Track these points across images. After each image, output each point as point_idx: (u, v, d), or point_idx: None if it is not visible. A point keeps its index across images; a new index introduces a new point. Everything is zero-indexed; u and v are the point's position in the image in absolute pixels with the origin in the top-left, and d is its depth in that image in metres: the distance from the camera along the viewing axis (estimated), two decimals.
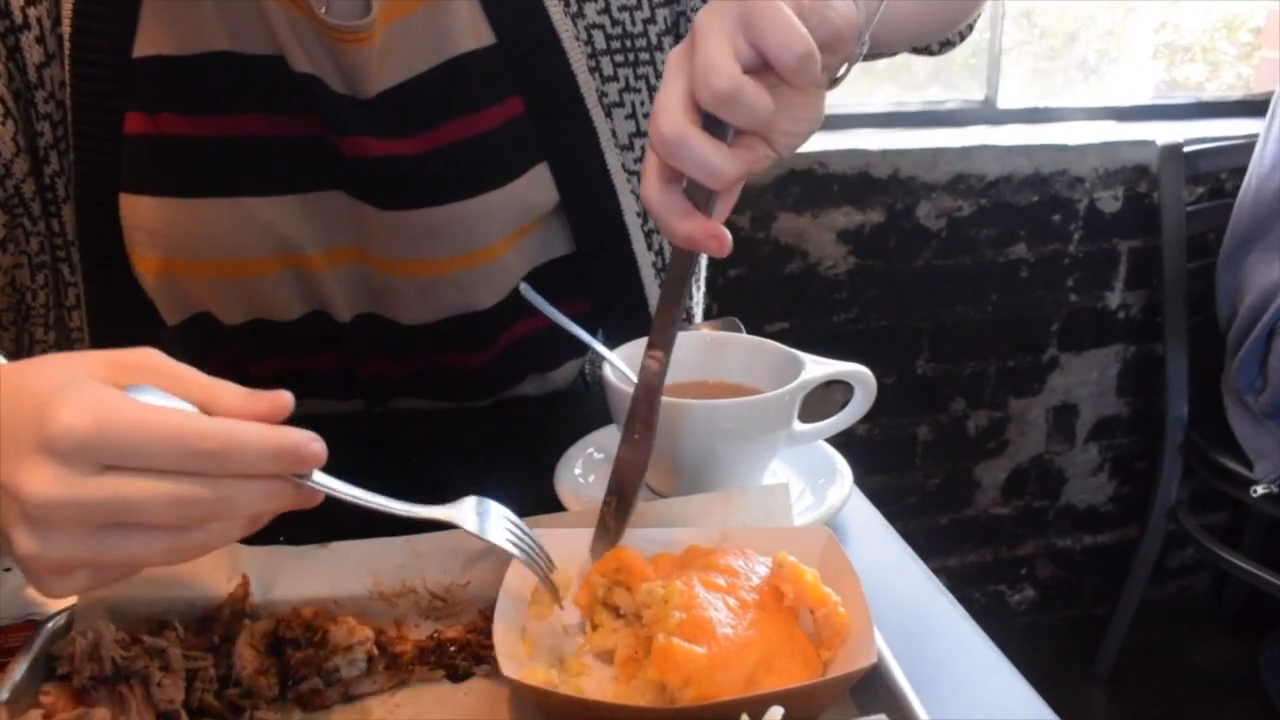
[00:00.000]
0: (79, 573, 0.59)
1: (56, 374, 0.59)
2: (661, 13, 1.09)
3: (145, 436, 0.56)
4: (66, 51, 0.95)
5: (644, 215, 1.12)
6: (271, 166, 1.00)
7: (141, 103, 0.97)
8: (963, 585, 2.77)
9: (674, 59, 0.68)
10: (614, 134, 1.09)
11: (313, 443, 0.60)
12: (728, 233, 0.70)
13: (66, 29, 0.95)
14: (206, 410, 0.61)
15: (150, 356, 0.62)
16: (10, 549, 0.57)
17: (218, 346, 1.06)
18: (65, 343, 1.04)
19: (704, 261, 1.25)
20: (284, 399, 0.62)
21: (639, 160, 1.10)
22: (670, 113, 0.66)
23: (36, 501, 0.55)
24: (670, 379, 0.97)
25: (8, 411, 0.58)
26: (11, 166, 0.95)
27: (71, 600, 0.71)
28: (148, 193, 0.98)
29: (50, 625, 0.71)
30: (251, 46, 0.97)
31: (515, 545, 0.73)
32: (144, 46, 0.97)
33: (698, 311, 1.23)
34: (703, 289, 1.23)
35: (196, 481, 0.57)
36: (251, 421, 0.60)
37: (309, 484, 0.62)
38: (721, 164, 0.66)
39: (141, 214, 0.98)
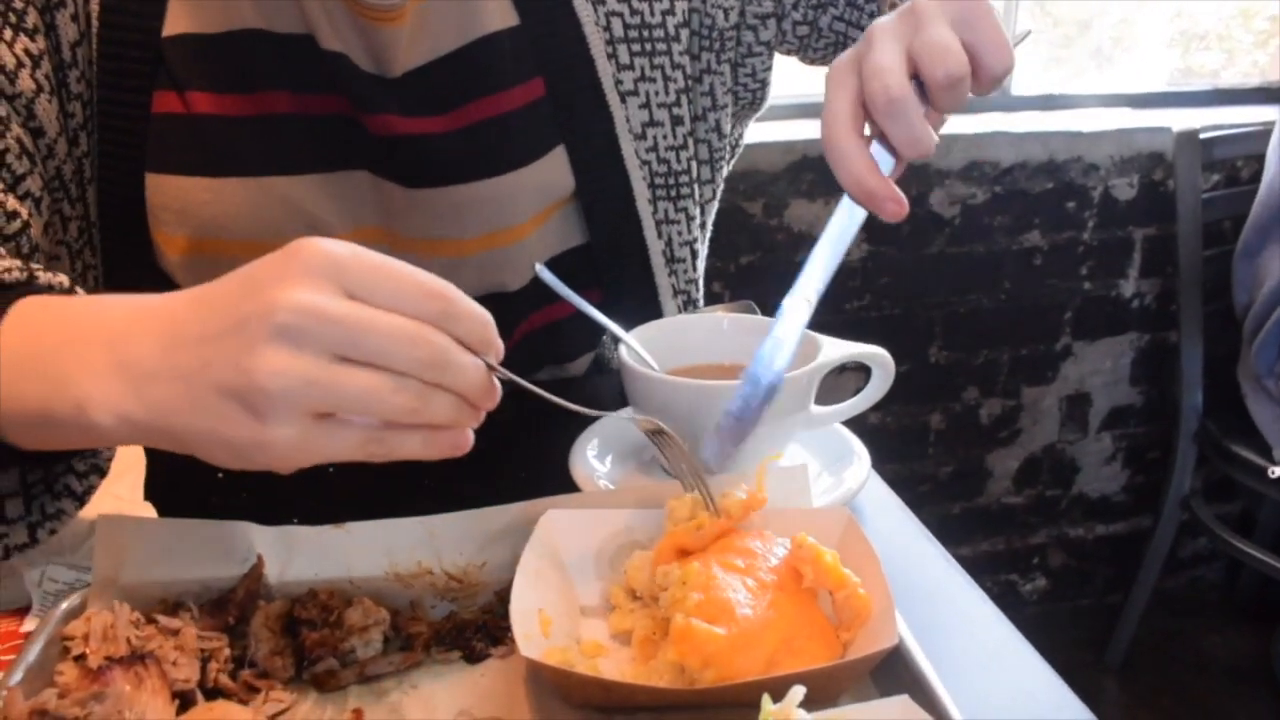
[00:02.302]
0: (305, 420, 0.58)
1: None
2: (680, 4, 1.10)
3: (390, 272, 0.60)
4: (95, 30, 0.95)
5: (655, 204, 1.13)
6: (298, 145, 1.00)
7: (169, 82, 0.97)
8: (975, 574, 2.72)
9: (843, 66, 0.74)
10: (628, 121, 1.09)
11: (498, 335, 0.64)
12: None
13: (95, 7, 0.94)
14: None
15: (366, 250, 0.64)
16: (249, 380, 0.56)
17: None
18: None
19: (705, 252, 1.24)
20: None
21: (651, 150, 1.11)
22: (893, 73, 0.71)
23: (292, 305, 0.56)
24: (685, 361, 0.98)
25: (247, 268, 0.61)
26: (55, 146, 0.94)
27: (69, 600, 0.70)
28: (175, 172, 0.98)
29: (65, 606, 0.71)
30: (281, 25, 0.98)
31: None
32: (173, 25, 0.97)
33: (699, 297, 1.23)
34: (701, 273, 1.23)
35: (425, 326, 0.60)
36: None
37: (498, 372, 0.64)
38: (929, 136, 0.72)
39: (168, 193, 0.98)
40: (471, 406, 0.63)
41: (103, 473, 0.77)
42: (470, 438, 0.65)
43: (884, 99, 0.70)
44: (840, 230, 0.75)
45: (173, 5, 0.97)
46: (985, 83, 0.73)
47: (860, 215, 0.74)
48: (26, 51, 0.91)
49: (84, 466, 0.75)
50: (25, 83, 0.90)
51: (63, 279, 0.73)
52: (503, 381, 0.64)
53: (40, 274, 0.72)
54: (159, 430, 0.60)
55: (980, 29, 0.72)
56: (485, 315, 0.63)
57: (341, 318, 0.57)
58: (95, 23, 0.94)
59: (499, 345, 0.64)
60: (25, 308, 0.65)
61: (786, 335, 0.75)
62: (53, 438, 0.64)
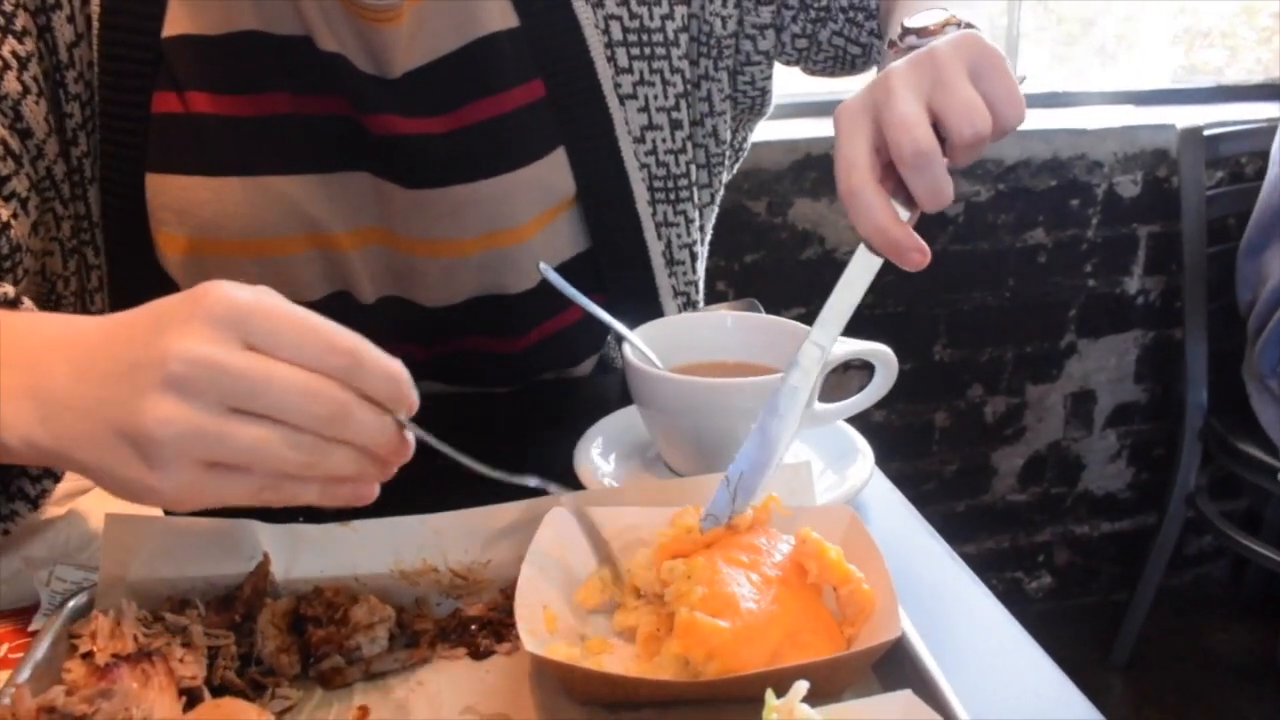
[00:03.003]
0: (195, 468, 0.59)
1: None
2: (680, 10, 1.10)
3: (294, 323, 0.60)
4: (95, 31, 0.95)
5: (654, 206, 1.13)
6: (297, 145, 1.00)
7: (169, 83, 0.98)
8: (980, 572, 2.72)
9: (855, 110, 0.73)
10: (627, 124, 1.10)
11: (413, 386, 0.64)
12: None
13: (95, 8, 0.95)
14: None
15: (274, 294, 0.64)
16: (138, 425, 0.57)
17: None
18: None
19: (705, 254, 1.24)
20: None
21: (650, 153, 1.12)
22: (921, 127, 0.70)
23: (188, 356, 0.56)
24: (689, 358, 0.98)
25: (157, 304, 0.61)
26: (44, 147, 0.95)
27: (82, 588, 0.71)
28: (175, 172, 0.98)
29: (72, 604, 0.71)
30: (279, 26, 0.98)
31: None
32: (172, 26, 0.97)
33: (699, 299, 1.23)
34: (701, 275, 1.23)
35: (326, 381, 0.60)
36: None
37: (410, 430, 0.64)
38: (950, 189, 0.71)
39: (169, 193, 0.98)
40: (378, 459, 0.64)
41: (57, 478, 0.78)
42: (374, 490, 0.65)
43: (912, 151, 0.70)
44: (856, 279, 0.75)
45: (173, 6, 0.97)
46: (997, 136, 0.73)
47: (877, 263, 0.74)
48: (14, 53, 0.92)
49: (37, 471, 0.76)
50: (11, 84, 0.91)
51: (6, 289, 0.74)
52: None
53: None
54: (63, 459, 0.61)
55: (996, 81, 0.72)
56: (396, 370, 0.63)
57: (234, 370, 0.57)
58: (95, 24, 0.95)
59: (411, 400, 0.64)
60: None
61: (801, 384, 0.76)
62: None
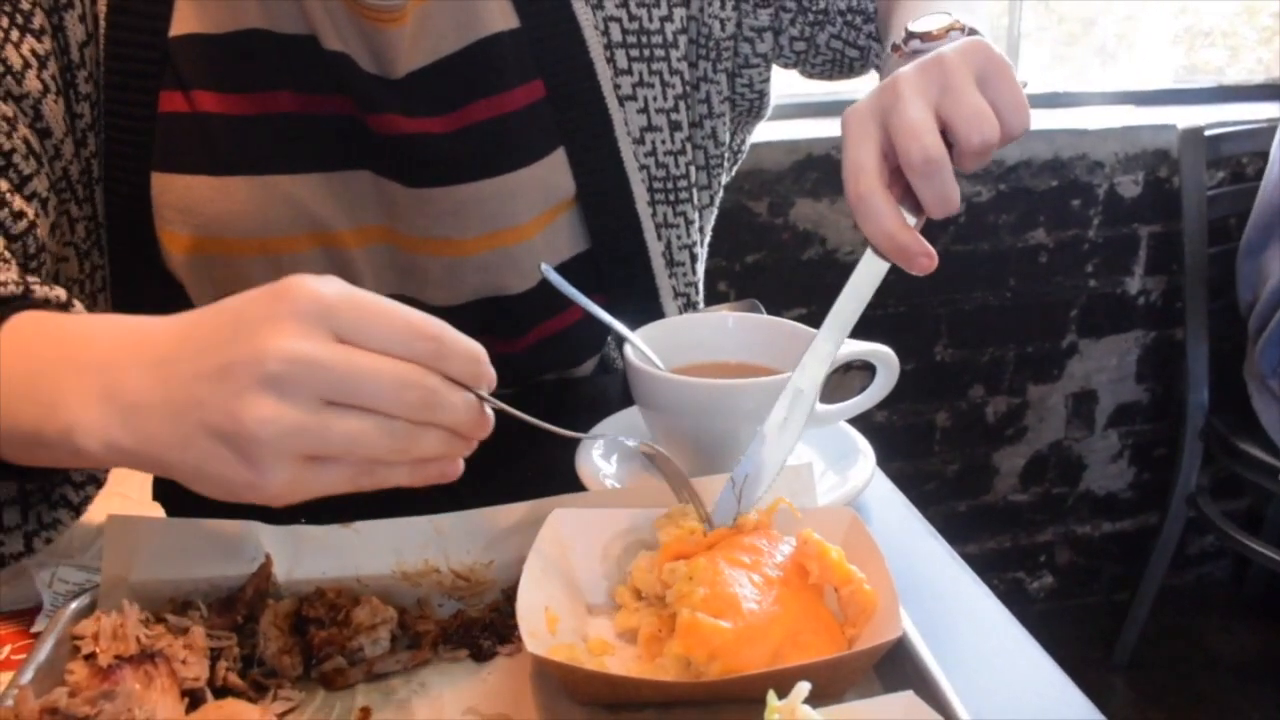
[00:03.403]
0: (295, 462, 0.59)
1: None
2: (679, 11, 1.10)
3: (379, 313, 0.60)
4: (102, 31, 0.95)
5: (654, 207, 1.13)
6: (302, 144, 1.01)
7: (175, 82, 0.98)
8: (981, 572, 2.72)
9: (863, 115, 0.73)
10: (627, 125, 1.10)
11: (489, 364, 0.64)
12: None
13: (102, 8, 0.95)
14: None
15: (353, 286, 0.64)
16: (239, 427, 0.57)
17: None
18: None
19: (704, 255, 1.24)
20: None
21: (650, 154, 1.12)
22: (930, 134, 0.71)
23: (281, 354, 0.56)
24: (690, 359, 0.98)
25: (234, 303, 0.61)
26: (62, 147, 0.94)
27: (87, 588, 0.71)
28: (180, 171, 0.99)
29: (75, 605, 0.71)
30: (284, 25, 0.99)
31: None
32: (179, 25, 0.98)
33: (699, 299, 1.23)
34: (701, 276, 1.23)
35: (416, 368, 0.60)
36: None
37: (490, 404, 0.65)
38: (958, 196, 0.72)
39: (173, 192, 0.99)
40: (463, 438, 0.64)
41: (100, 483, 0.78)
42: (460, 466, 0.66)
43: (921, 159, 0.70)
44: (863, 283, 0.75)
45: (179, 6, 0.98)
46: (1003, 143, 0.73)
47: (884, 267, 0.74)
48: (33, 52, 0.91)
49: (81, 477, 0.76)
50: (32, 83, 0.91)
51: (60, 293, 0.73)
52: (507, 378, 0.65)
53: (37, 287, 0.72)
54: (149, 460, 0.61)
55: (1002, 89, 0.73)
56: (476, 351, 0.63)
57: (330, 365, 0.58)
58: (103, 23, 0.95)
59: (491, 376, 0.64)
60: (20, 324, 0.66)
61: (807, 385, 0.76)
62: (45, 457, 0.64)
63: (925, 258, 0.73)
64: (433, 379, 0.61)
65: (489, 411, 0.65)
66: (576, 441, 0.96)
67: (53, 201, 0.94)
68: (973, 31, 0.84)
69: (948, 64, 0.72)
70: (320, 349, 0.58)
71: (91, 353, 0.62)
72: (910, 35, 0.88)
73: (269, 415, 0.57)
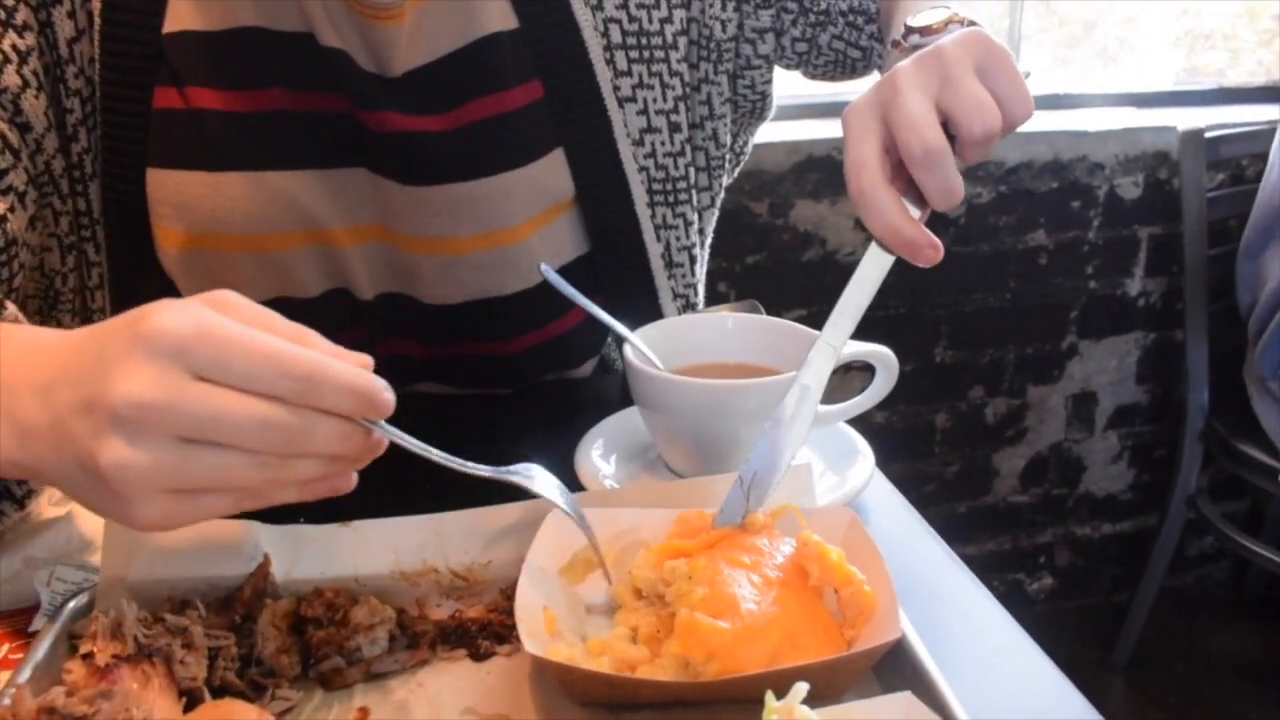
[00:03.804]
0: (164, 497, 0.58)
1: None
2: (679, 13, 1.10)
3: (241, 350, 0.57)
4: (96, 27, 0.96)
5: (653, 209, 1.13)
6: (296, 141, 1.01)
7: (170, 78, 0.98)
8: (981, 573, 2.72)
9: (864, 111, 0.73)
10: (626, 127, 1.10)
11: (385, 390, 0.62)
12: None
13: (96, 4, 0.96)
14: None
15: (239, 297, 0.61)
16: (96, 466, 0.56)
17: None
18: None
19: (705, 256, 1.24)
20: (365, 358, 0.63)
21: (649, 156, 1.12)
22: (931, 126, 0.71)
23: (131, 400, 0.55)
24: (690, 360, 0.98)
25: (102, 330, 0.59)
26: (43, 141, 0.95)
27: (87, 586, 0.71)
28: (176, 166, 0.99)
29: (73, 604, 0.71)
30: (281, 22, 0.99)
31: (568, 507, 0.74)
32: (174, 23, 0.98)
33: (698, 301, 1.23)
34: (700, 278, 1.23)
35: (281, 406, 0.58)
36: (335, 359, 0.61)
37: (378, 430, 0.63)
38: (961, 187, 0.72)
39: (168, 188, 0.99)
40: (349, 459, 0.63)
41: None
42: (352, 479, 0.64)
43: (921, 151, 0.70)
44: (868, 277, 0.75)
45: (174, 2, 0.98)
46: (1005, 132, 0.74)
47: (889, 261, 0.74)
48: (14, 47, 0.92)
49: None
50: (11, 78, 0.92)
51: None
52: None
53: None
54: (47, 480, 0.61)
55: (1003, 79, 0.73)
56: (359, 385, 0.61)
57: (180, 409, 0.56)
58: (97, 19, 0.96)
59: (380, 406, 0.62)
60: None
61: (813, 383, 0.76)
62: None
63: (931, 249, 0.73)
64: (299, 418, 0.59)
65: (379, 434, 0.63)
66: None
67: (31, 195, 0.95)
68: (972, 24, 0.84)
69: (947, 56, 0.72)
70: (169, 393, 0.55)
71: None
72: (909, 30, 0.88)
73: (121, 459, 0.55)
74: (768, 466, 0.76)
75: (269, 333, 0.59)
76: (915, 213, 0.73)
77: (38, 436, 0.59)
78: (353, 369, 0.61)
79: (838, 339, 0.76)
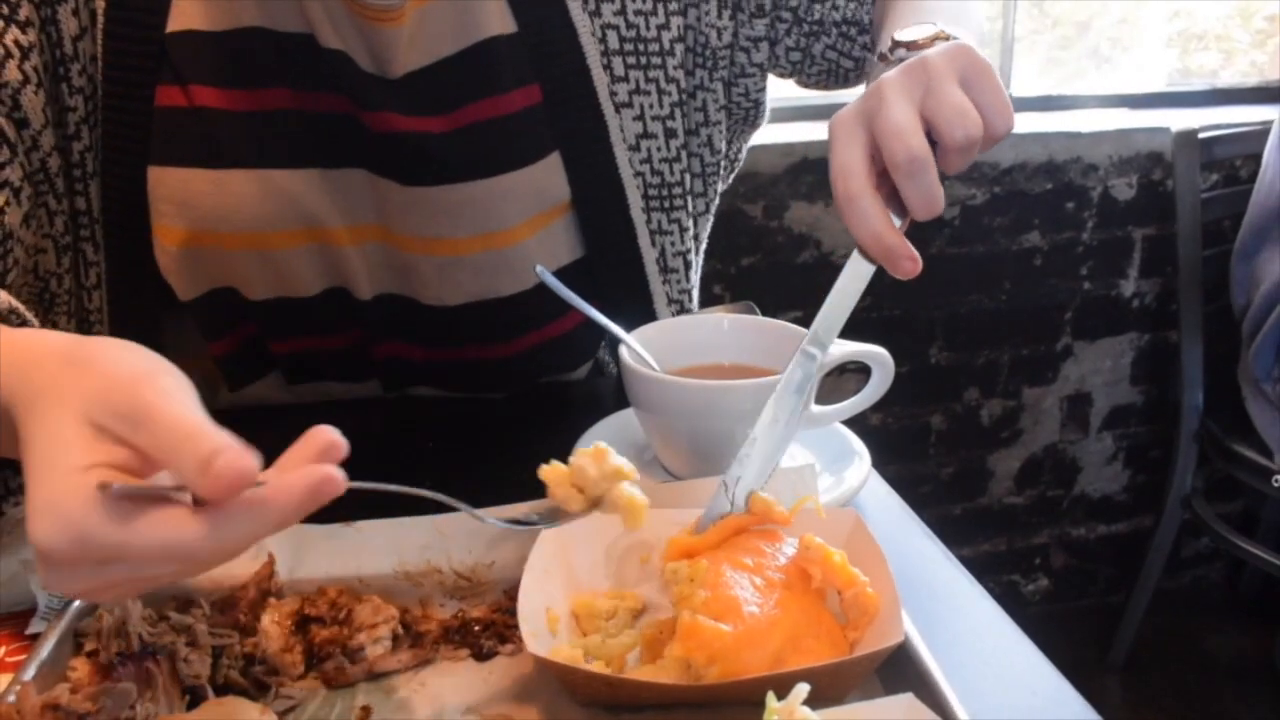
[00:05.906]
0: (104, 586, 0.55)
1: (40, 429, 0.55)
2: (676, 20, 1.11)
3: (129, 550, 0.53)
4: (100, 25, 0.96)
5: (649, 214, 1.14)
6: (297, 140, 1.01)
7: (172, 76, 0.99)
8: (977, 575, 2.74)
9: (849, 119, 0.74)
10: (623, 132, 1.10)
11: (330, 477, 0.55)
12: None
13: (100, 2, 0.96)
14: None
15: (150, 391, 0.55)
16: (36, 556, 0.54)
17: (233, 324, 1.08)
18: (84, 328, 1.04)
19: (699, 263, 1.25)
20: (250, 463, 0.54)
21: (645, 161, 1.12)
22: (914, 134, 0.72)
23: (40, 549, 0.52)
24: (686, 361, 0.98)
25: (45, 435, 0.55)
26: (40, 138, 0.96)
27: None
28: (177, 164, 0.99)
29: (78, 603, 0.71)
30: (283, 23, 0.99)
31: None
32: (177, 22, 0.98)
33: (693, 306, 1.24)
34: (695, 283, 1.23)
35: (179, 552, 0.54)
36: (251, 488, 0.53)
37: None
38: (942, 196, 0.73)
39: (169, 185, 0.99)
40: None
41: (18, 470, 0.77)
42: (340, 484, 0.57)
43: (906, 158, 0.71)
44: (849, 285, 0.76)
45: (177, 2, 0.98)
46: (987, 144, 0.75)
47: (869, 270, 0.75)
48: (16, 43, 0.93)
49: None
50: (11, 73, 0.92)
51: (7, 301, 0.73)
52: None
53: None
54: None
55: (985, 90, 0.74)
56: (235, 549, 0.55)
57: (91, 556, 0.52)
58: (100, 18, 0.96)
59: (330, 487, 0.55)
60: None
61: (798, 387, 0.78)
62: None
63: (909, 261, 0.74)
64: (203, 551, 0.54)
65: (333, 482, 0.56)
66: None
67: (27, 191, 0.95)
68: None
69: (931, 65, 0.74)
70: (69, 547, 0.51)
71: None
72: (896, 44, 0.89)
73: (44, 575, 0.54)
74: (750, 470, 0.77)
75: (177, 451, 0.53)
76: (897, 222, 0.74)
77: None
78: (281, 491, 0.54)
79: (818, 345, 0.78)
